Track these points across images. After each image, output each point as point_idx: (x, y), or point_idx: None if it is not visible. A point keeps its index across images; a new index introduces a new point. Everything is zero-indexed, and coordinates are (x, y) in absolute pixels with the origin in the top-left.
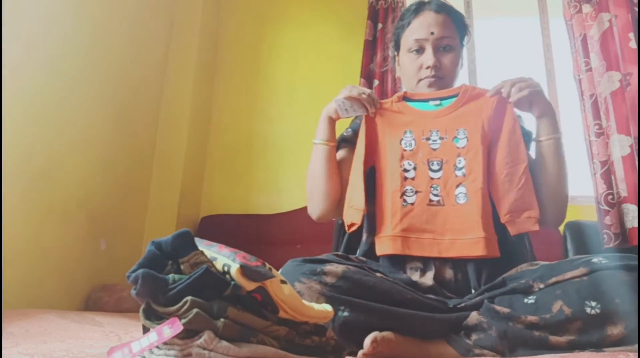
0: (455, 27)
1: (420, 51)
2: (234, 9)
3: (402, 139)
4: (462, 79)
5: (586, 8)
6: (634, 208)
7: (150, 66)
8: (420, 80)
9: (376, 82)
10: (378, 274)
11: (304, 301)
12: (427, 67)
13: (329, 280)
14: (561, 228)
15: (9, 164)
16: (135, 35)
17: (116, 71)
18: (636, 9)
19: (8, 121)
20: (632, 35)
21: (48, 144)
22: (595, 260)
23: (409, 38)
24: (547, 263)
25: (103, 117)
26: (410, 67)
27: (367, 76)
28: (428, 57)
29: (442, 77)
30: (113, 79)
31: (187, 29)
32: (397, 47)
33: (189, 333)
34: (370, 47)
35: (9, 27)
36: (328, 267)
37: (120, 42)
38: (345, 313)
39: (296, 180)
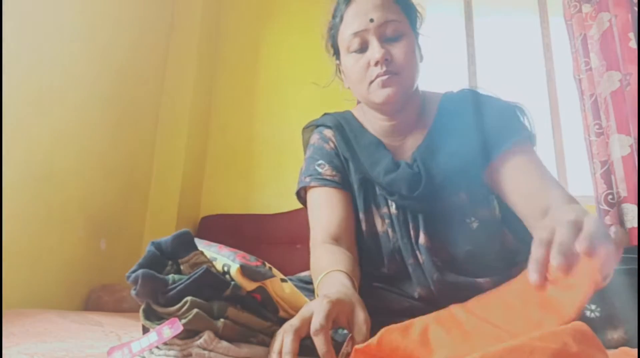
0: (401, 8)
1: (363, 48)
2: (234, 9)
3: None
4: (462, 79)
5: (586, 8)
6: (634, 207)
7: (150, 66)
8: (371, 82)
9: None
10: (375, 283)
11: (306, 299)
12: (376, 64)
13: None
14: None
15: (9, 165)
16: (135, 35)
17: (116, 71)
18: (636, 8)
19: (8, 122)
20: (632, 35)
21: (48, 145)
22: None
23: (345, 34)
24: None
25: (103, 117)
26: (355, 70)
27: None
28: (374, 51)
29: (397, 73)
30: (113, 79)
31: (187, 29)
32: (336, 53)
33: (189, 334)
34: None
35: (8, 27)
36: None
37: (120, 42)
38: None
39: (296, 180)
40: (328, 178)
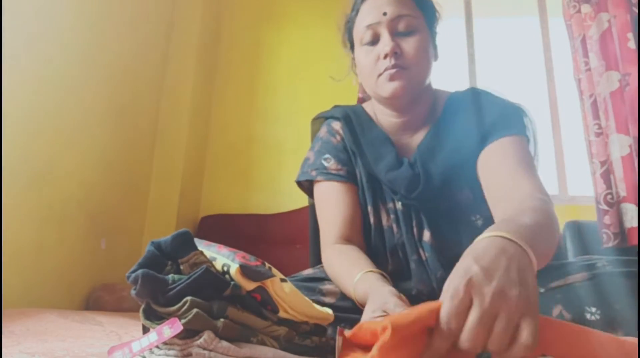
0: (417, 4)
1: (374, 41)
2: (234, 9)
3: None
4: (462, 79)
5: (585, 8)
6: (633, 207)
7: (150, 66)
8: (379, 75)
9: None
10: None
11: (306, 298)
12: (385, 56)
13: (327, 300)
14: (561, 227)
15: (9, 164)
16: (135, 35)
17: (116, 70)
18: (635, 9)
19: (8, 121)
20: (630, 36)
21: (48, 144)
22: (598, 263)
23: (359, 27)
24: (550, 263)
25: (103, 117)
26: (365, 63)
27: None
28: (384, 44)
29: (405, 67)
30: (113, 79)
31: (187, 29)
32: (352, 47)
33: (189, 333)
34: None
35: (8, 27)
36: (327, 286)
37: (120, 42)
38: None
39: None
40: (333, 172)
